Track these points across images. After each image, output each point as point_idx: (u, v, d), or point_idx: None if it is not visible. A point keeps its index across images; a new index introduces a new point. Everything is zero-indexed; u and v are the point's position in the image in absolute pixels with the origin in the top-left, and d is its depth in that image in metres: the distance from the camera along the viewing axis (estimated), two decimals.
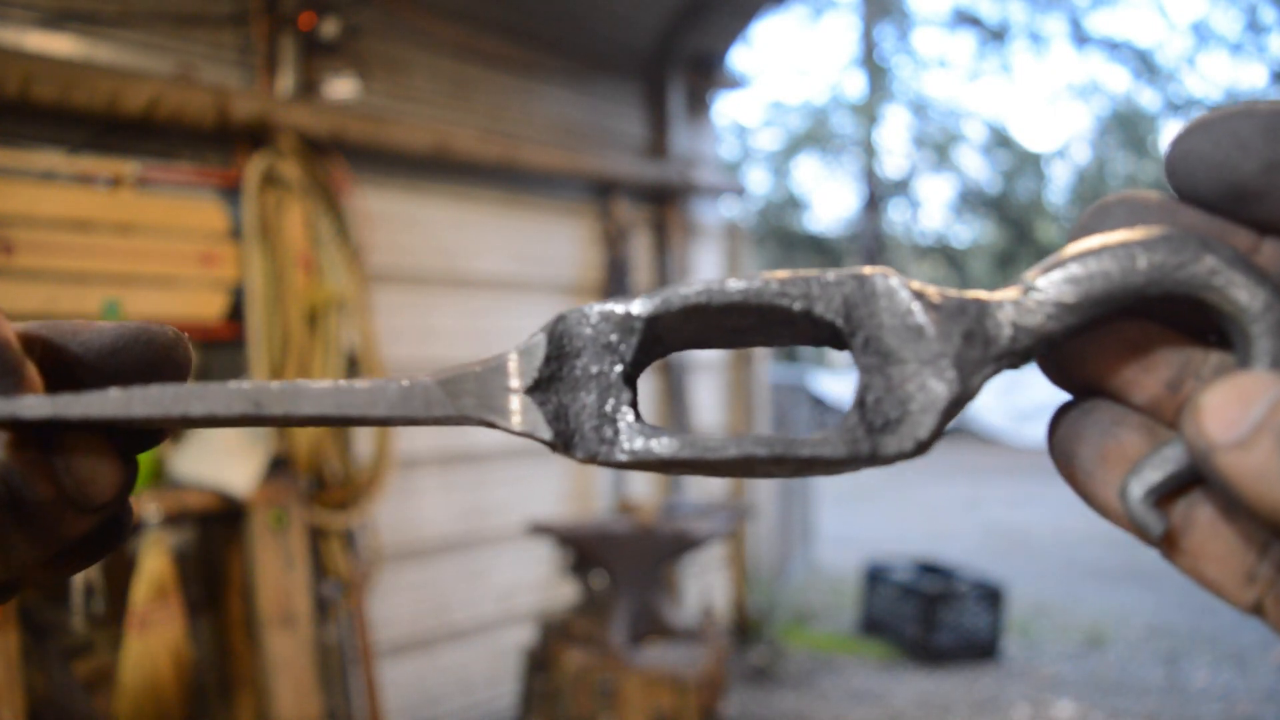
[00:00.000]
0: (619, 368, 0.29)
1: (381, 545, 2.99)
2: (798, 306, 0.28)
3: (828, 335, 0.29)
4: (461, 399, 0.29)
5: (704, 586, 4.31)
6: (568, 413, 0.29)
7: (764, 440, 0.28)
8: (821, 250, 18.09)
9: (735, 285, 0.28)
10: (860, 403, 0.28)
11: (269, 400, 0.29)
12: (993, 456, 13.10)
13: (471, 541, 3.44)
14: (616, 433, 0.29)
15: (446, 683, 3.32)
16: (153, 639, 2.00)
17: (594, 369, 0.29)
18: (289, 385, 0.29)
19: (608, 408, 0.29)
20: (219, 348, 2.68)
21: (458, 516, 3.39)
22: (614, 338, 0.29)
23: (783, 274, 0.28)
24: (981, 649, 4.45)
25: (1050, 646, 4.69)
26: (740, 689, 4.02)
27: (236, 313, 2.63)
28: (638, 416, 0.29)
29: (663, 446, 0.28)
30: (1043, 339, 0.27)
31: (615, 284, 3.88)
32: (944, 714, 3.84)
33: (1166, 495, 0.27)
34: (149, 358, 0.31)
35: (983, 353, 0.28)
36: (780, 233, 18.00)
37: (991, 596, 4.45)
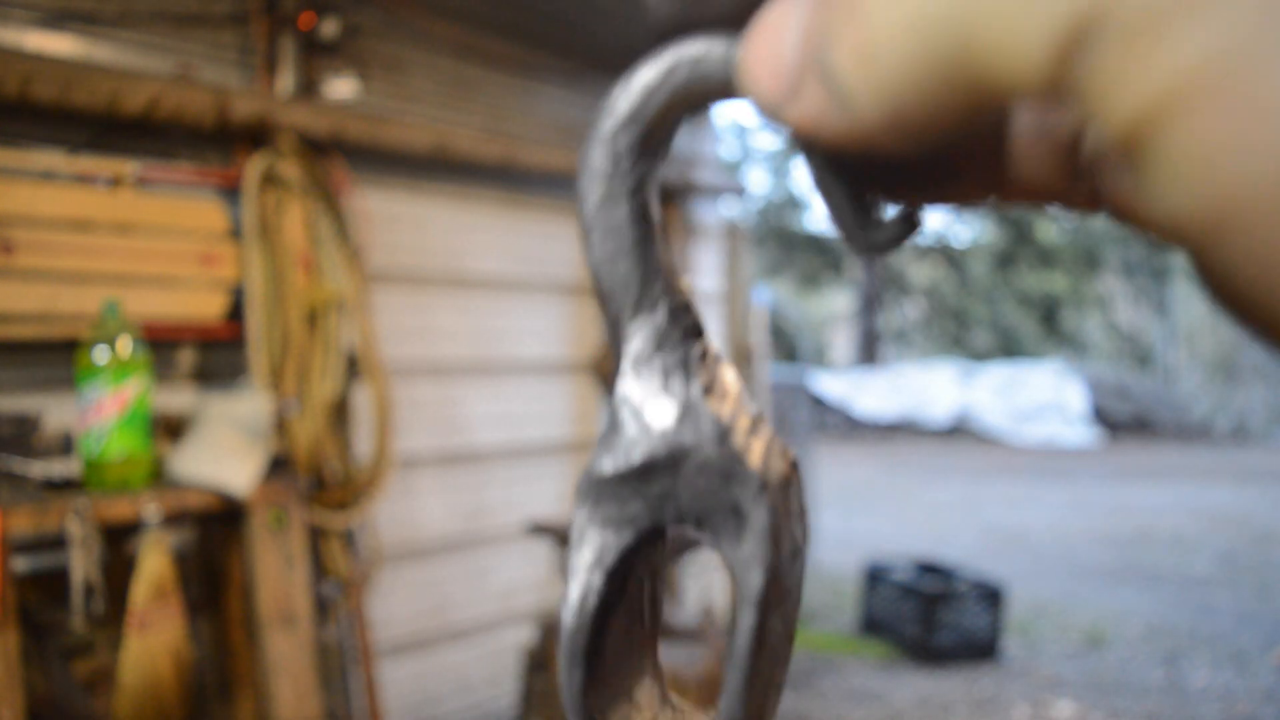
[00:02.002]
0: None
1: (381, 545, 2.99)
2: None
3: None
4: None
5: (704, 586, 4.31)
6: None
7: None
8: (821, 250, 18.09)
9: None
10: None
11: None
12: (993, 456, 13.10)
13: (471, 541, 3.44)
14: None
15: (446, 683, 3.32)
16: (152, 639, 2.00)
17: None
18: None
19: None
20: (219, 348, 2.68)
21: (458, 516, 3.39)
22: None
23: None
24: (981, 649, 4.45)
25: (1050, 646, 4.69)
26: None
27: (236, 313, 2.63)
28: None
29: None
30: None
31: None
32: (944, 714, 3.84)
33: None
34: None
35: None
36: (780, 233, 18.02)
37: (991, 596, 4.45)
